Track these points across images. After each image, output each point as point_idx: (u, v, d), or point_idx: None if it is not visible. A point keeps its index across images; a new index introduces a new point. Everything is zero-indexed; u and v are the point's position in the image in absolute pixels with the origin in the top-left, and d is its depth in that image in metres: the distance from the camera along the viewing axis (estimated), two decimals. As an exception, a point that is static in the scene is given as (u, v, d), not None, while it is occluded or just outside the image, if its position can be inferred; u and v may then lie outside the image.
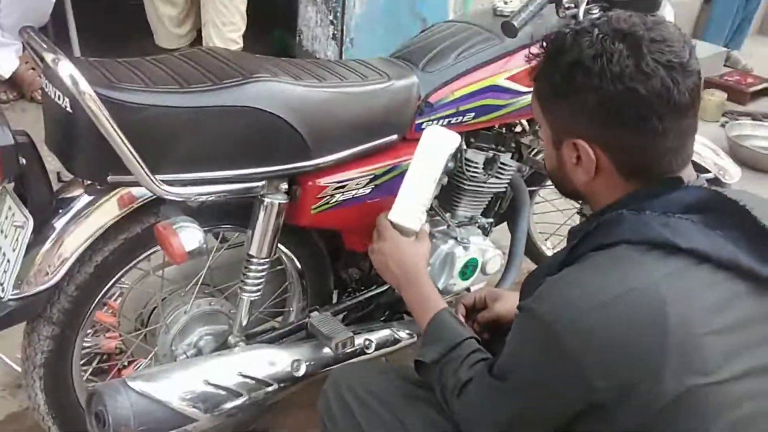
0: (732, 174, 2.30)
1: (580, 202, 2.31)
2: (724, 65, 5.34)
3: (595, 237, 1.08)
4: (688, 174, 1.12)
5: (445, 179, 1.90)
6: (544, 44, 1.16)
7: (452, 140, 1.59)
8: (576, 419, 1.04)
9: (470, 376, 1.24)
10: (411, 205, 1.61)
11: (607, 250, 1.04)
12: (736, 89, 4.91)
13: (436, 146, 1.57)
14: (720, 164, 2.29)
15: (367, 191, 1.70)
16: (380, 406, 1.36)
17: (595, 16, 1.86)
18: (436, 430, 1.30)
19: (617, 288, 0.99)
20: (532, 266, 1.75)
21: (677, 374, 0.97)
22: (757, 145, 4.21)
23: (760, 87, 4.98)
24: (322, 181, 1.62)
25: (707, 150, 2.31)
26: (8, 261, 1.43)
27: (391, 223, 1.60)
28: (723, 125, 4.49)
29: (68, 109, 1.29)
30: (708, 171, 2.27)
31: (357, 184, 1.67)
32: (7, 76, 3.28)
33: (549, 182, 2.48)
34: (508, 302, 1.58)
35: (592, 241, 1.08)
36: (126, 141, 1.28)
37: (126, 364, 1.95)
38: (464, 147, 1.92)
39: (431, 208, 1.97)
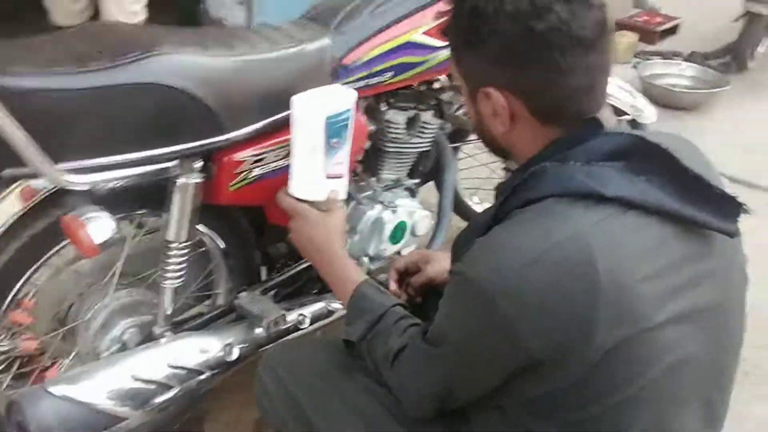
0: (648, 115, 2.32)
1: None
2: (633, 6, 5.41)
3: (521, 192, 1.06)
4: (607, 117, 1.11)
5: (367, 143, 1.86)
6: None
7: (323, 103, 1.51)
8: (513, 378, 1.03)
9: (402, 343, 1.21)
10: (305, 177, 1.55)
11: (534, 205, 1.03)
12: (645, 29, 4.95)
13: (307, 113, 1.50)
14: (636, 105, 2.31)
15: (286, 163, 1.63)
16: (318, 379, 1.34)
17: None
18: (375, 397, 1.28)
19: (544, 243, 0.97)
20: (462, 223, 1.72)
21: (610, 327, 0.97)
22: (669, 83, 4.31)
23: (669, 25, 5.03)
24: (238, 156, 1.54)
25: (622, 92, 2.32)
26: None
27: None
28: (635, 66, 4.57)
29: (-50, 99, 1.18)
30: (625, 113, 2.29)
31: (275, 156, 1.60)
32: None
33: (472, 137, 2.46)
34: (439, 263, 1.55)
35: (518, 197, 1.06)
36: (19, 130, 1.19)
37: (48, 365, 1.85)
38: (384, 108, 1.87)
39: (355, 174, 1.93)
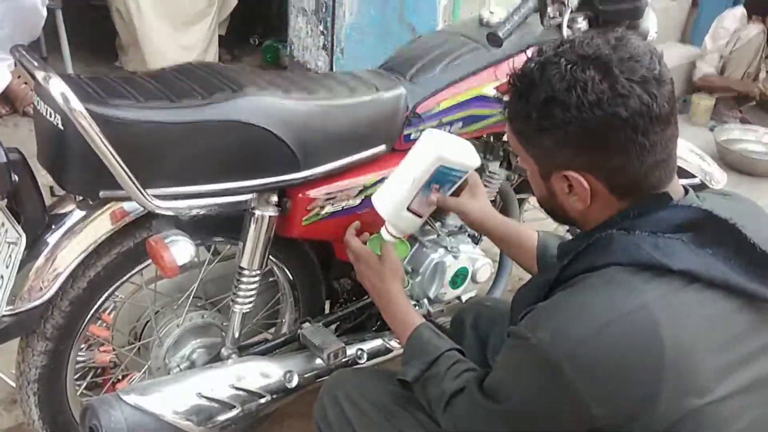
0: (718, 179, 2.32)
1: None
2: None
3: (585, 258, 1.08)
4: (675, 186, 1.12)
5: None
6: (511, 82, 1.13)
7: (447, 150, 1.57)
8: None
9: (457, 386, 1.23)
10: (391, 196, 1.61)
11: (598, 272, 1.04)
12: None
13: (428, 150, 1.57)
14: (706, 169, 2.31)
15: (357, 202, 1.71)
16: (375, 411, 1.36)
17: (579, 26, 1.89)
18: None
19: (610, 313, 0.98)
20: (522, 272, 1.75)
21: (675, 398, 0.97)
22: (746, 148, 4.23)
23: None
24: (312, 193, 1.63)
25: (693, 155, 2.32)
26: (1, 277, 1.44)
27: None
28: (711, 129, 4.52)
29: (60, 126, 1.30)
30: (694, 176, 2.29)
31: (346, 195, 1.69)
32: (-1, 91, 3.29)
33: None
34: (480, 208, 1.62)
35: (581, 262, 1.08)
36: (117, 157, 1.29)
37: (120, 377, 1.95)
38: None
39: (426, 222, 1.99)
